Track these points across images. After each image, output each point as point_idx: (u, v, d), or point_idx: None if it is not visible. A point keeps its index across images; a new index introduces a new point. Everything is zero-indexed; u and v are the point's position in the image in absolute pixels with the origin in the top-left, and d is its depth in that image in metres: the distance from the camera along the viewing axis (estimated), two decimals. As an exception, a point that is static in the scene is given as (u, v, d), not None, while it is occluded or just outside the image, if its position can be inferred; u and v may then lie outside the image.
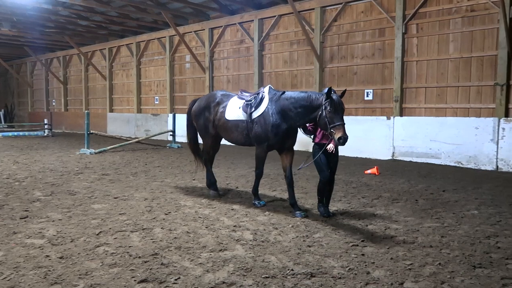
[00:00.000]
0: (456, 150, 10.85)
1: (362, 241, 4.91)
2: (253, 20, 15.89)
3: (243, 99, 6.51)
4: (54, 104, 28.35)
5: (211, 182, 7.35)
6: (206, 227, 5.45)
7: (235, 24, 16.60)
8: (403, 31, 12.11)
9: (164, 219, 5.84)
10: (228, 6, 16.52)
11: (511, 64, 10.41)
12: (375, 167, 9.89)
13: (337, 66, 13.77)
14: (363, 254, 4.51)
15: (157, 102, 20.57)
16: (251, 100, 6.31)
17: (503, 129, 10.25)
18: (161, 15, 16.82)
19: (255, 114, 6.19)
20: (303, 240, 4.98)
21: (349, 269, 4.12)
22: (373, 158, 12.29)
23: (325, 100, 5.48)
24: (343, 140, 5.30)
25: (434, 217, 6.03)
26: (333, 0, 13.56)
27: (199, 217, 5.95)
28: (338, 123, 5.37)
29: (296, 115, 5.89)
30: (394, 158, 12.06)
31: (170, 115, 17.23)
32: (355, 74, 13.38)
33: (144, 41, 20.79)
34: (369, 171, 9.79)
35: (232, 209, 6.38)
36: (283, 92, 6.12)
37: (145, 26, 19.81)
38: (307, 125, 5.98)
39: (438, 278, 3.90)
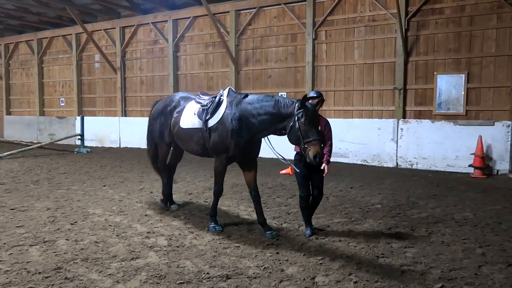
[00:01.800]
0: (362, 150, 11.66)
1: (277, 239, 5.01)
2: (167, 21, 15.52)
3: (199, 103, 5.62)
4: None
5: (163, 193, 6.64)
6: (117, 236, 5.15)
7: (148, 23, 16.06)
8: (313, 37, 12.71)
9: (69, 229, 5.40)
10: (140, 5, 15.93)
11: (407, 70, 11.48)
12: (290, 167, 10.20)
13: (252, 69, 14.01)
14: (277, 253, 4.61)
15: (63, 104, 19.09)
16: (207, 105, 5.41)
17: (402, 129, 11.26)
18: (66, 11, 15.65)
19: (212, 122, 5.27)
20: (219, 243, 4.94)
21: (264, 268, 4.18)
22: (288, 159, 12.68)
23: (298, 109, 4.62)
24: (319, 157, 4.57)
25: (343, 212, 6.39)
26: (247, 4, 13.78)
27: (109, 225, 5.61)
28: (314, 139, 4.56)
29: (260, 124, 4.98)
30: (307, 158, 12.58)
31: (78, 118, 16.09)
32: (270, 77, 13.73)
33: (47, 38, 19.16)
34: (283, 171, 10.08)
35: (146, 215, 6.13)
36: (246, 95, 5.25)
37: (48, 22, 18.29)
38: None
39: (346, 270, 4.12)
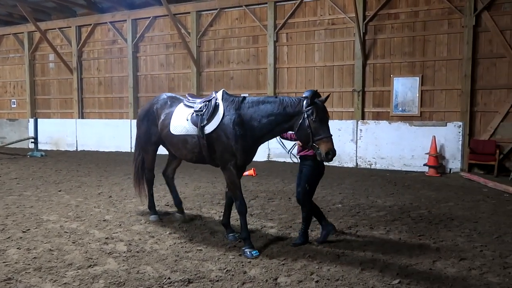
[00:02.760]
0: (323, 150, 11.87)
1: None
2: (126, 20, 15.14)
3: (191, 107, 5.21)
4: None
5: (150, 207, 6.10)
6: (73, 243, 4.95)
7: (106, 23, 15.60)
8: (275, 39, 12.82)
9: (21, 237, 5.12)
10: (98, 4, 15.45)
11: (365, 72, 11.81)
12: (253, 168, 10.23)
13: (214, 71, 13.93)
14: (240, 255, 4.59)
15: (15, 106, 18.17)
16: (202, 110, 5.03)
17: (361, 130, 11.56)
18: (17, 8, 14.91)
19: (209, 128, 4.89)
20: (181, 247, 4.85)
21: (227, 270, 4.15)
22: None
23: (307, 107, 4.46)
24: (332, 155, 4.39)
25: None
26: (209, 5, 13.70)
27: (65, 232, 5.37)
28: (326, 136, 4.42)
29: (265, 126, 4.71)
30: (270, 159, 12.66)
31: (32, 120, 15.36)
32: (232, 79, 13.71)
33: (-3, 36, 18.19)
34: (246, 173, 10.07)
35: (104, 220, 5.92)
36: (244, 98, 4.95)
37: (-2, 19, 17.37)
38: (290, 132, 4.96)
39: (308, 269, 4.16)
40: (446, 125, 10.68)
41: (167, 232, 5.39)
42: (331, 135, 4.48)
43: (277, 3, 12.74)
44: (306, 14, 12.51)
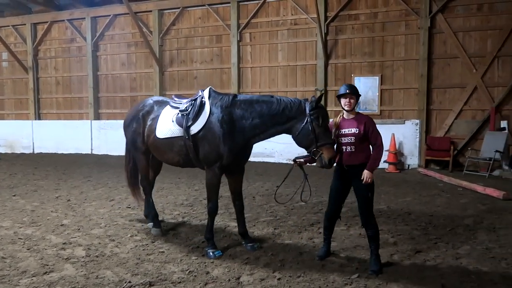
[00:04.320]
0: (287, 149, 11.96)
1: (203, 242, 4.95)
2: (84, 18, 14.67)
3: (176, 107, 4.97)
4: None
5: (152, 215, 5.53)
6: (28, 249, 4.75)
7: (63, 20, 15.04)
8: (238, 39, 12.82)
9: (-30, 245, 4.86)
10: (54, 1, 14.89)
11: (327, 72, 12.03)
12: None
13: (177, 70, 13.76)
14: (203, 255, 4.56)
15: (-35, 107, 17.20)
16: (187, 109, 4.78)
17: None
18: (-34, 4, 14.14)
19: (195, 128, 4.65)
20: (143, 250, 4.77)
21: (189, 272, 4.12)
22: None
23: (312, 109, 4.22)
24: (334, 161, 4.21)
25: (268, 211, 6.51)
26: (171, 3, 13.52)
27: (19, 238, 5.15)
28: (330, 142, 4.19)
29: (258, 126, 4.49)
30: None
31: (-16, 122, 14.61)
32: (196, 79, 13.59)
33: None
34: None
35: (62, 225, 5.72)
36: (235, 95, 4.72)
37: None
38: None
39: (270, 267, 4.20)
40: (404, 123, 11.06)
41: (128, 235, 5.28)
42: (334, 142, 4.27)
43: (240, 3, 12.75)
44: (269, 14, 12.59)
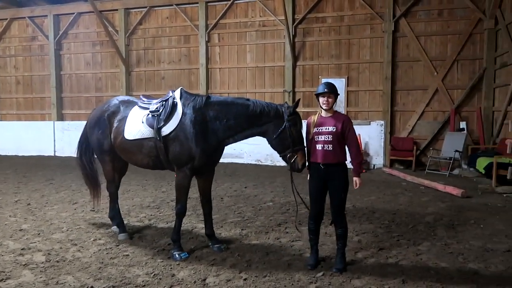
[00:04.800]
0: (256, 150, 12.01)
1: (169, 244, 4.88)
2: (47, 16, 14.21)
3: (146, 108, 4.84)
4: None
5: (118, 222, 5.37)
6: (-17, 256, 4.53)
7: (24, 18, 14.51)
8: (207, 40, 12.76)
9: None
10: (14, -3, 14.34)
11: (295, 73, 12.17)
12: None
13: (144, 70, 13.54)
14: (169, 258, 4.50)
15: None
16: (158, 110, 4.67)
17: (292, 130, 11.88)
18: None
19: (167, 129, 4.55)
20: (106, 253, 4.65)
21: (154, 274, 4.05)
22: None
23: (289, 115, 4.30)
24: (305, 166, 4.29)
25: (236, 212, 6.50)
26: (137, 3, 13.30)
27: (-26, 244, 4.91)
28: (304, 146, 4.32)
29: (232, 127, 4.48)
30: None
31: None
32: (163, 79, 13.42)
33: None
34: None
35: (21, 230, 5.49)
36: (208, 97, 4.66)
37: None
38: None
39: (237, 268, 4.19)
40: (370, 124, 11.34)
41: (92, 239, 5.13)
42: (305, 147, 4.35)
43: (208, 3, 12.70)
44: (237, 15, 12.61)
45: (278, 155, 4.51)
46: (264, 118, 4.41)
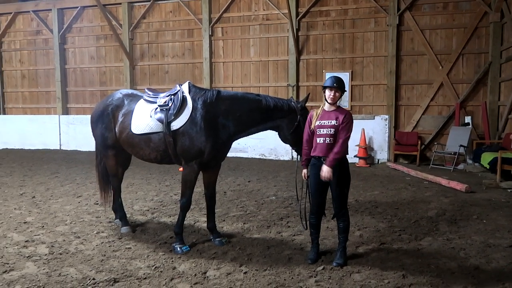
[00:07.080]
0: (259, 144, 12.02)
1: (171, 237, 4.92)
2: (51, 10, 14.22)
3: (153, 102, 4.80)
4: None
5: (121, 215, 5.40)
6: (-13, 248, 4.59)
7: (28, 12, 14.54)
8: (210, 34, 12.72)
9: None
10: (18, -9, 14.38)
11: (299, 67, 12.12)
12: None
13: (148, 64, 13.54)
14: (171, 251, 4.53)
15: None
16: (167, 104, 4.63)
17: (295, 124, 11.85)
18: None
19: (177, 124, 4.51)
20: (109, 246, 4.69)
21: (156, 267, 4.08)
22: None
23: (301, 110, 4.47)
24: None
25: (239, 206, 6.52)
26: (141, -4, 13.28)
27: (-21, 237, 4.97)
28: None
29: (244, 122, 4.53)
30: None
31: None
32: (167, 73, 13.42)
33: None
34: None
35: (25, 223, 5.55)
36: (219, 91, 4.62)
37: None
38: None
39: (237, 262, 4.21)
40: (374, 118, 11.28)
41: (95, 232, 5.18)
42: None
43: (212, -3, 12.65)
44: (241, 9, 12.55)
45: (281, 150, 4.58)
46: (278, 112, 4.51)
